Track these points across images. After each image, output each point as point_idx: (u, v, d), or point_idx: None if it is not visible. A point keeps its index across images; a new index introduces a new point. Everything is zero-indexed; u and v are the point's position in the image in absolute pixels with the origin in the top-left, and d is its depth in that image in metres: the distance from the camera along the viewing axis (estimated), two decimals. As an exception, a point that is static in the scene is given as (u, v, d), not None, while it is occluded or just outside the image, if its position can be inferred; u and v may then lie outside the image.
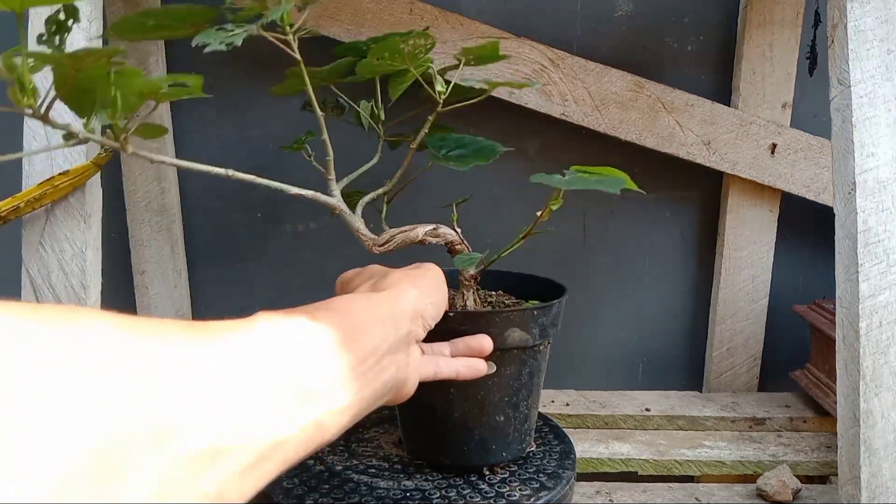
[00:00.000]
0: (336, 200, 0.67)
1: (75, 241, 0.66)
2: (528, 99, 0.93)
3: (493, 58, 0.68)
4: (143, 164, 1.00)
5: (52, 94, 0.52)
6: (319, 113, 0.67)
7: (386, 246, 0.66)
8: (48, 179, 0.64)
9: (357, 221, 0.68)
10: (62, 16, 0.50)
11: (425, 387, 0.66)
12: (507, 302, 0.72)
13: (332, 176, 0.68)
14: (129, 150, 0.58)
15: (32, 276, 0.66)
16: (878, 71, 0.67)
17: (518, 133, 1.00)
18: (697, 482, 0.87)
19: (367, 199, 0.71)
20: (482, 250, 0.68)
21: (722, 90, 0.98)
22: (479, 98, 0.64)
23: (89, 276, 0.66)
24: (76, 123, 0.57)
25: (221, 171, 0.61)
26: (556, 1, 0.97)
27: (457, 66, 0.69)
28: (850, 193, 0.67)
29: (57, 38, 0.51)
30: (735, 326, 1.01)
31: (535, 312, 0.64)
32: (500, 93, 0.91)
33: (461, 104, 0.66)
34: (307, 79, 0.64)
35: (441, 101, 0.67)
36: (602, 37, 0.98)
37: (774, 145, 0.94)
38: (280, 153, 0.97)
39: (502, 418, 0.67)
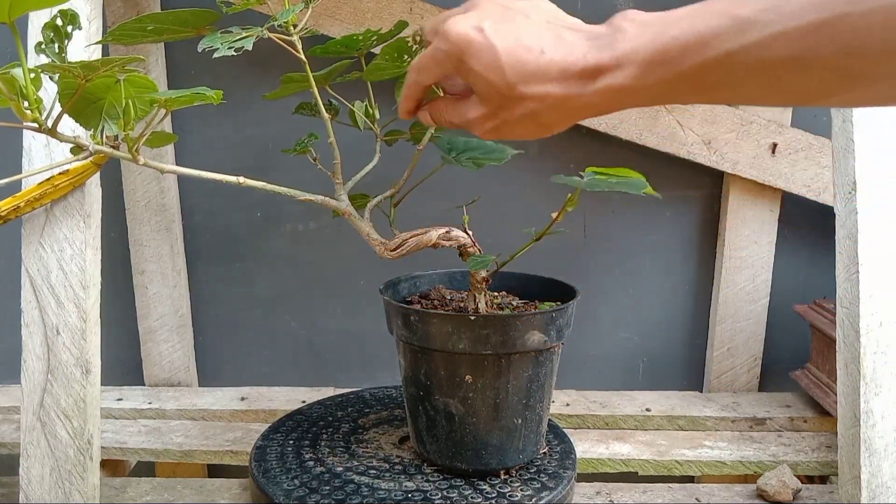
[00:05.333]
0: (346, 205, 0.66)
1: (75, 241, 0.66)
2: (529, 98, 0.93)
3: None
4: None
5: (59, 107, 0.51)
6: (326, 116, 0.67)
7: (399, 250, 0.64)
8: (48, 179, 0.64)
9: (367, 226, 0.66)
10: (59, 21, 0.48)
11: (442, 391, 0.66)
12: (513, 303, 0.72)
13: (340, 179, 0.67)
14: (141, 161, 0.57)
15: (32, 275, 0.66)
16: (878, 71, 0.67)
17: (518, 133, 1.00)
18: (698, 482, 0.87)
19: (374, 202, 0.70)
20: (483, 251, 0.68)
21: (722, 90, 0.98)
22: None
23: (89, 275, 0.66)
24: (84, 136, 0.56)
25: (233, 178, 0.61)
26: (556, 0, 0.97)
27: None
28: (850, 193, 0.67)
29: (56, 45, 0.49)
30: (735, 326, 1.01)
31: (554, 314, 0.64)
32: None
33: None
34: (313, 82, 0.64)
35: None
36: (602, 36, 0.97)
37: (775, 145, 0.94)
38: (278, 152, 0.97)
39: (519, 421, 0.67)
